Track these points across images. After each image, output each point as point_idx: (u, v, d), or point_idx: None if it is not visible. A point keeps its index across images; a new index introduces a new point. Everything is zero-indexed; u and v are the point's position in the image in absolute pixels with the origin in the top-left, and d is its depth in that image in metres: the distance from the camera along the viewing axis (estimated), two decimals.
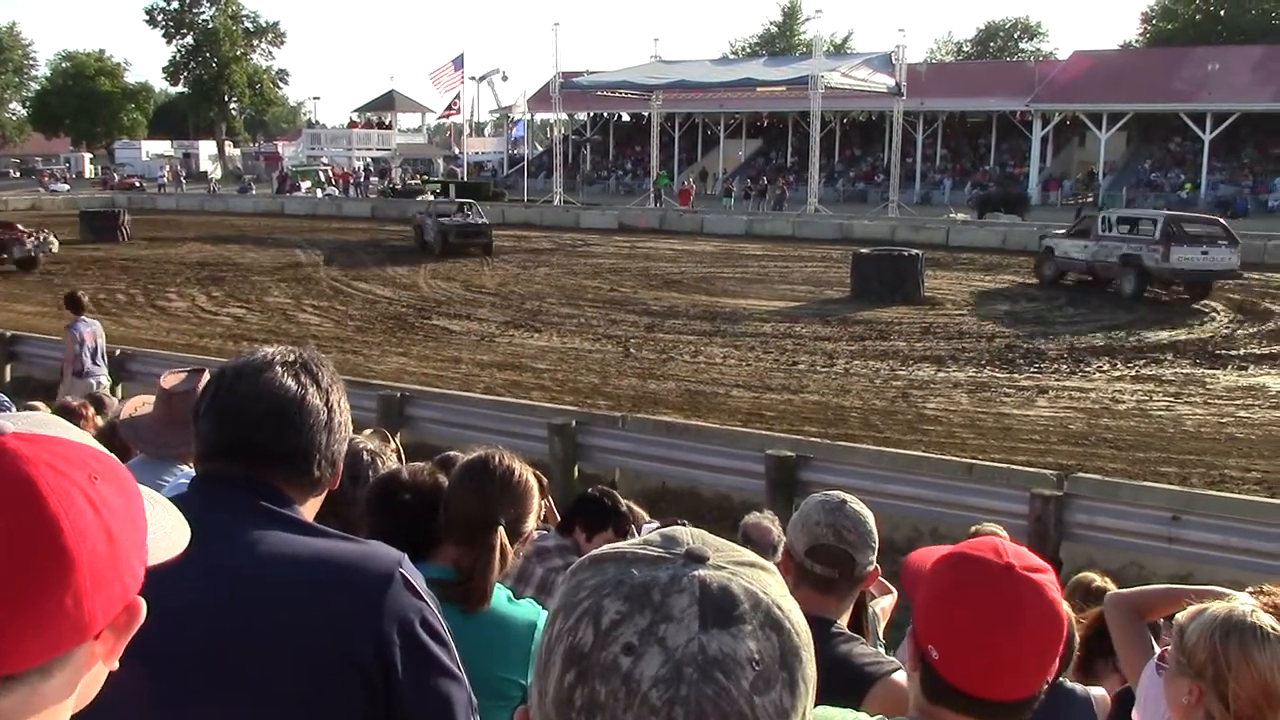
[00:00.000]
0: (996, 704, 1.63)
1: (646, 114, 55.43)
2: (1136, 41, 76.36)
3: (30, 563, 0.92)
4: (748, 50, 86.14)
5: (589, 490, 5.30)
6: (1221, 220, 26.02)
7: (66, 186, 64.28)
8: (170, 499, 1.23)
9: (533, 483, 2.80)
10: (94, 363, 11.43)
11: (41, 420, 1.05)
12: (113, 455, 1.06)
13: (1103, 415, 14.13)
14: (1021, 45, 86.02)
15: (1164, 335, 19.78)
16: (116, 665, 1.05)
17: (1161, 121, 54.26)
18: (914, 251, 25.38)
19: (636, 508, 5.48)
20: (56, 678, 0.98)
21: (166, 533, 1.13)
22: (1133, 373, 16.73)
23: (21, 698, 0.96)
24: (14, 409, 6.54)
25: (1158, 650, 2.74)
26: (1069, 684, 3.37)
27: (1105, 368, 17.06)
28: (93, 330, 11.60)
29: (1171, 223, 24.05)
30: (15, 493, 0.94)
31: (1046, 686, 1.67)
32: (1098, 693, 3.42)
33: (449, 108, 65.04)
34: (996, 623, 1.60)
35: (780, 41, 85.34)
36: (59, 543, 0.93)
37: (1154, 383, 16.03)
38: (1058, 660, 1.67)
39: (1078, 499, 9.52)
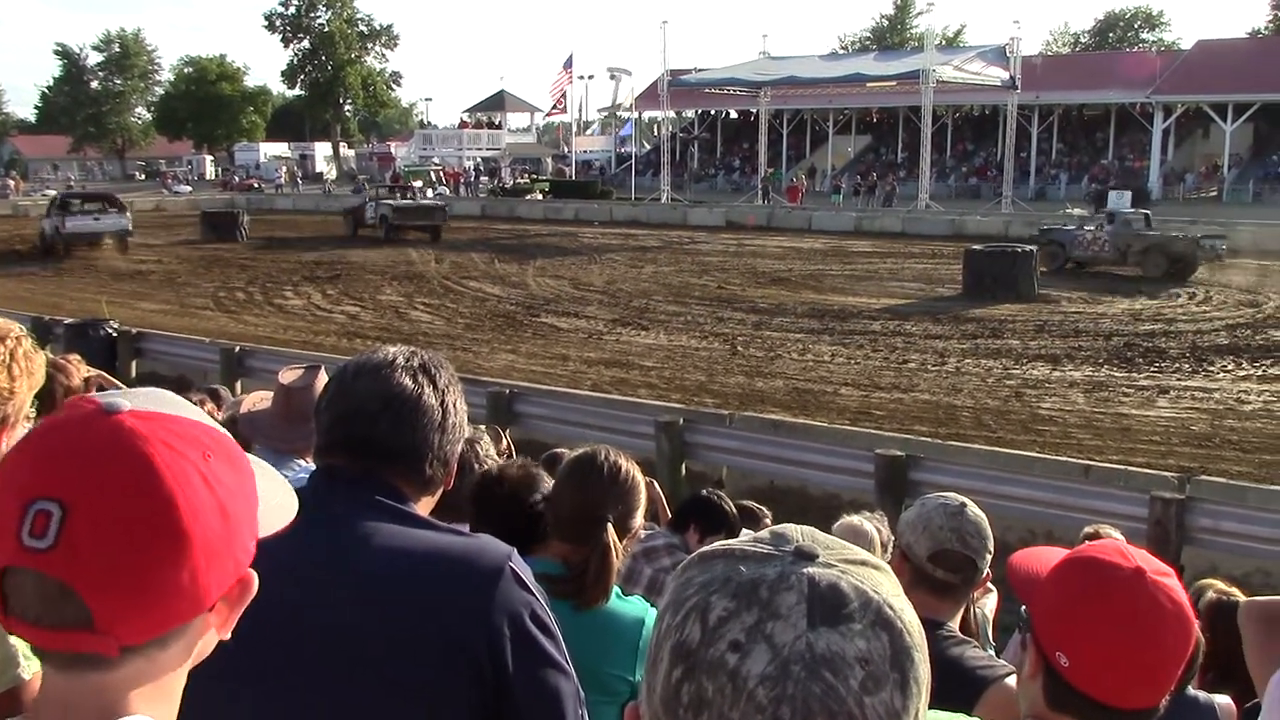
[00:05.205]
0: (1127, 712, 1.59)
1: (754, 111, 55.21)
2: (1265, 29, 73.63)
3: (148, 541, 0.95)
4: (858, 45, 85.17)
5: (702, 491, 5.23)
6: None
7: (188, 188, 66.26)
8: None
9: (639, 479, 2.81)
10: None
11: (157, 397, 1.06)
12: (223, 429, 1.07)
13: (1227, 416, 13.66)
14: (1142, 36, 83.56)
15: None
16: (229, 635, 1.08)
17: None
18: (1028, 248, 24.86)
19: (757, 505, 5.44)
20: (173, 648, 1.01)
21: (274, 507, 1.15)
22: (1259, 372, 16.15)
23: (139, 668, 1.00)
24: None
25: None
26: (1192, 691, 3.26)
27: (1230, 367, 16.50)
28: None
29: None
30: (133, 472, 0.96)
31: (1171, 694, 1.62)
32: (1223, 700, 3.29)
33: (554, 106, 65.56)
34: (1135, 629, 1.56)
35: (891, 36, 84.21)
36: (175, 521, 0.96)
37: None
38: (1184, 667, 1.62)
39: (1201, 502, 9.18)
